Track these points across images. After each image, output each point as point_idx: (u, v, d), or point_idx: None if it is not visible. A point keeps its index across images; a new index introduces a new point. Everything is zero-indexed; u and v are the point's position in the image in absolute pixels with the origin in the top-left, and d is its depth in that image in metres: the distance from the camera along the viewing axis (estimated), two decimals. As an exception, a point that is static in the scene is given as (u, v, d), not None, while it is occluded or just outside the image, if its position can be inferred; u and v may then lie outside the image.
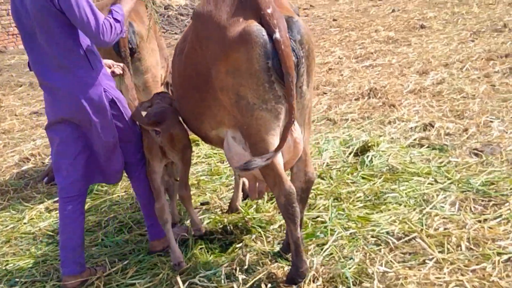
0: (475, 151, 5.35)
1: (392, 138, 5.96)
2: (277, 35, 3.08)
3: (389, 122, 6.53)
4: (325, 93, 8.28)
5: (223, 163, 5.76)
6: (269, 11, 3.14)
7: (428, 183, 4.74)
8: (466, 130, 5.93)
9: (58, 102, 3.63)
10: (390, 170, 5.09)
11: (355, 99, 7.68)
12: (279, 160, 3.34)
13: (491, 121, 6.11)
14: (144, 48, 5.20)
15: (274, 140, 3.26)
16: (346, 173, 5.17)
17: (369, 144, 5.60)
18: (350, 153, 5.62)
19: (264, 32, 3.13)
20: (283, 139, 3.20)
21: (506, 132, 5.73)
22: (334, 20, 15.28)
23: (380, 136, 6.05)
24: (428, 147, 5.61)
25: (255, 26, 3.15)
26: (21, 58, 14.44)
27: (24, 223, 4.88)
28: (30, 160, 6.59)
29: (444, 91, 7.40)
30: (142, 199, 4.11)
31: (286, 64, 3.08)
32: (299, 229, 3.40)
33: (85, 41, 3.60)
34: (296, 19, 3.26)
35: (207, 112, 3.67)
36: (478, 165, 5.03)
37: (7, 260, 4.24)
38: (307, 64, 3.26)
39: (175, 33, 16.18)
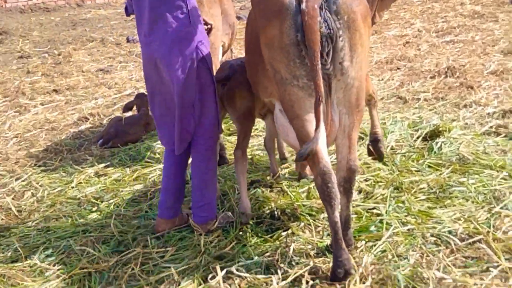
0: (559, 144, 4.84)
1: (466, 123, 5.49)
2: (303, 5, 2.91)
3: (465, 106, 6.04)
4: (399, 68, 7.81)
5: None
6: None
7: (501, 178, 4.29)
8: (550, 120, 5.40)
9: (153, 64, 3.71)
10: (460, 160, 4.65)
11: (431, 77, 7.17)
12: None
13: None
14: (202, 13, 4.90)
15: (309, 118, 3.09)
16: (411, 159, 4.78)
17: (440, 129, 5.16)
18: (418, 137, 5.21)
19: (294, 3, 2.98)
20: (317, 118, 2.95)
21: None
22: (418, -11, 14.52)
23: (453, 120, 5.59)
24: (505, 136, 5.12)
25: None
26: (96, 13, 14.57)
27: (72, 187, 4.80)
28: (88, 119, 6.56)
29: (529, 75, 6.81)
30: (200, 177, 3.91)
31: (308, 37, 2.88)
32: (337, 213, 3.16)
33: None
34: None
35: (261, 82, 3.56)
36: (562, 160, 4.54)
37: (48, 226, 4.14)
38: (348, 36, 3.00)
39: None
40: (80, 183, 4.89)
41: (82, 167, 5.22)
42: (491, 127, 5.35)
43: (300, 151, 3.01)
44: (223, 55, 5.86)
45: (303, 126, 3.14)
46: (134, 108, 6.11)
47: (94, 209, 4.42)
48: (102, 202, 4.49)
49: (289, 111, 3.21)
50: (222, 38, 5.53)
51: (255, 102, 4.01)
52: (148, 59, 3.78)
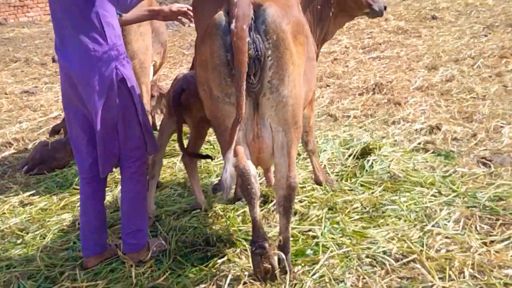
0: (484, 160, 4.99)
1: (396, 140, 5.59)
2: (232, 25, 2.91)
3: (393, 122, 6.17)
4: (328, 86, 7.91)
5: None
6: None
7: (432, 195, 4.37)
8: (474, 135, 5.57)
9: (68, 77, 3.49)
10: (391, 177, 4.72)
11: (359, 94, 7.31)
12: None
13: (502, 126, 5.74)
14: (130, 31, 4.77)
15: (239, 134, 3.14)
16: (344, 178, 4.82)
17: (371, 147, 5.24)
18: (350, 155, 5.27)
19: (224, 23, 2.99)
20: (231, 136, 3.03)
21: (517, 140, 5.36)
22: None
23: (383, 137, 5.70)
24: (433, 152, 5.24)
25: (218, 16, 3.03)
26: (20, 32, 14.13)
27: (-5, 218, 4.55)
28: (12, 145, 6.29)
29: (453, 90, 7.02)
30: (128, 202, 3.73)
31: (236, 57, 2.90)
32: (256, 209, 3.26)
33: (103, 12, 3.42)
34: (264, 7, 3.00)
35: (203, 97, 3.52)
36: (486, 176, 4.68)
37: (-32, 262, 3.91)
38: (277, 56, 3.00)
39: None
40: (4, 213, 4.63)
41: (5, 196, 4.96)
42: (419, 143, 5.47)
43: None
44: (155, 74, 5.75)
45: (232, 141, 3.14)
46: (62, 131, 5.88)
47: (18, 241, 4.17)
48: (27, 233, 4.25)
49: (221, 125, 3.23)
50: (153, 57, 5.42)
51: None
52: (63, 70, 3.55)
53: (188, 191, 4.81)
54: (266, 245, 3.26)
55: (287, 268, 3.37)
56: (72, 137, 3.69)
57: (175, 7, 4.17)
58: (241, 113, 2.94)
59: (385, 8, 4.69)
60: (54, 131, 5.87)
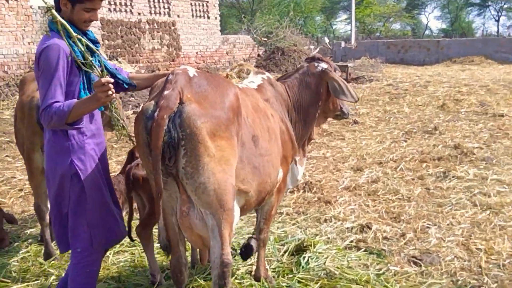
0: (414, 259, 5.16)
1: (329, 238, 5.71)
2: (155, 113, 3.27)
3: (325, 220, 6.31)
4: (259, 183, 8.02)
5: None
6: (165, 92, 3.33)
7: (367, 293, 4.47)
8: (403, 235, 5.77)
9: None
10: (327, 275, 4.79)
11: (290, 192, 7.45)
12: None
13: (428, 227, 5.99)
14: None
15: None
16: (281, 275, 4.84)
17: (305, 244, 5.31)
18: (285, 252, 5.32)
19: (149, 111, 3.36)
20: (157, 211, 3.41)
21: (444, 240, 5.59)
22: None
23: (316, 235, 5.80)
24: (365, 250, 5.38)
25: (148, 104, 3.44)
26: None
27: None
28: None
29: (380, 191, 7.31)
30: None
31: (151, 139, 3.26)
32: None
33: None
34: (182, 106, 3.35)
35: None
36: (418, 275, 4.83)
37: None
38: (190, 147, 3.32)
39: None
40: None
41: None
42: (352, 241, 5.61)
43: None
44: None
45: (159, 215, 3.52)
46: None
47: None
48: None
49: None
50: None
51: None
52: None
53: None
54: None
55: None
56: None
57: None
58: (159, 189, 3.27)
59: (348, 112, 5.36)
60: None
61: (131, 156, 4.91)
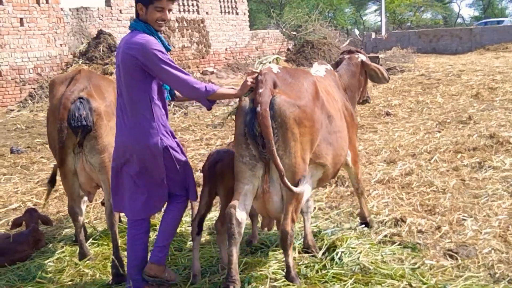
0: (450, 253, 5.07)
1: (363, 232, 5.65)
2: (258, 108, 3.98)
3: (359, 214, 6.24)
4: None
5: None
6: (260, 90, 4.05)
7: (403, 288, 4.41)
8: (438, 227, 5.68)
9: (123, 143, 4.28)
10: (362, 270, 4.73)
11: (323, 186, 7.40)
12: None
13: (464, 219, 5.88)
14: (101, 126, 4.86)
15: (243, 186, 4.22)
16: (315, 270, 4.80)
17: (338, 238, 5.27)
18: (319, 248, 5.27)
19: (247, 106, 4.14)
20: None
21: (480, 232, 5.49)
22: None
23: (349, 229, 5.74)
24: (399, 244, 5.31)
25: (244, 101, 4.21)
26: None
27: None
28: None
29: (414, 183, 7.22)
30: (167, 224, 4.46)
31: (263, 130, 3.96)
32: (232, 248, 4.10)
33: (153, 95, 4.21)
34: (274, 98, 4.08)
35: None
36: (454, 269, 4.75)
37: None
38: (280, 133, 4.05)
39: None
40: (-36, 310, 4.43)
41: (-35, 292, 4.74)
42: (386, 235, 5.54)
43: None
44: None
45: (235, 190, 4.27)
46: (23, 223, 5.75)
47: None
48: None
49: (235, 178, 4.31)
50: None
51: None
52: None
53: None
54: (231, 287, 4.01)
55: None
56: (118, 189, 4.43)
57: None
58: (280, 167, 3.95)
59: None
60: (16, 224, 5.76)
61: None
